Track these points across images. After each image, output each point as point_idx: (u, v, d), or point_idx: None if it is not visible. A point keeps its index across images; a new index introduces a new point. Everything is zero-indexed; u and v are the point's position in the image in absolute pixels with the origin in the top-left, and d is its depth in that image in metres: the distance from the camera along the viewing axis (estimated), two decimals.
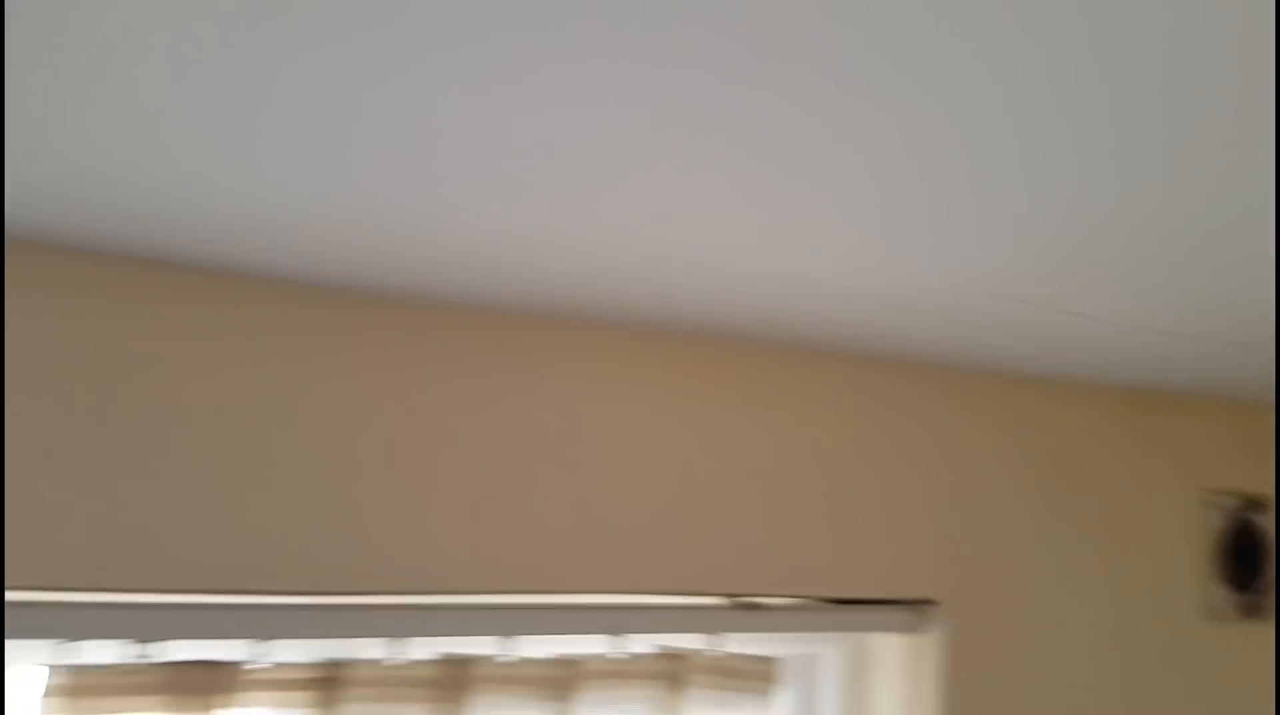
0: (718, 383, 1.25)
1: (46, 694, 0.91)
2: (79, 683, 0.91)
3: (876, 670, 1.39)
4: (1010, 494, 1.42)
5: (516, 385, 1.12)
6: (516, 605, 1.09)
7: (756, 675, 1.22)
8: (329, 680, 1.00)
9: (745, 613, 1.23)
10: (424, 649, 1.04)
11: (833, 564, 1.28)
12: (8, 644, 0.89)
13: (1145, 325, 1.14)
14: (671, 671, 1.17)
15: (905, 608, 1.33)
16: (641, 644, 1.16)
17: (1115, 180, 0.75)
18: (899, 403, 1.36)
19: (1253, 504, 1.61)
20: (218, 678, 0.96)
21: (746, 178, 0.75)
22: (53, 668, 0.91)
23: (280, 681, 0.99)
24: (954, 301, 1.08)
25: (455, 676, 1.04)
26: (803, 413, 1.30)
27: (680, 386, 1.23)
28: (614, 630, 1.13)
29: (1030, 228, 0.87)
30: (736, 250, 0.92)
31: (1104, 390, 1.52)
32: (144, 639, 0.93)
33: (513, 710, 1.07)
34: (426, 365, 1.08)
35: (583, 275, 1.00)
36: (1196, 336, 1.19)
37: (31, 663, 0.93)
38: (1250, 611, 1.58)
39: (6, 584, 0.86)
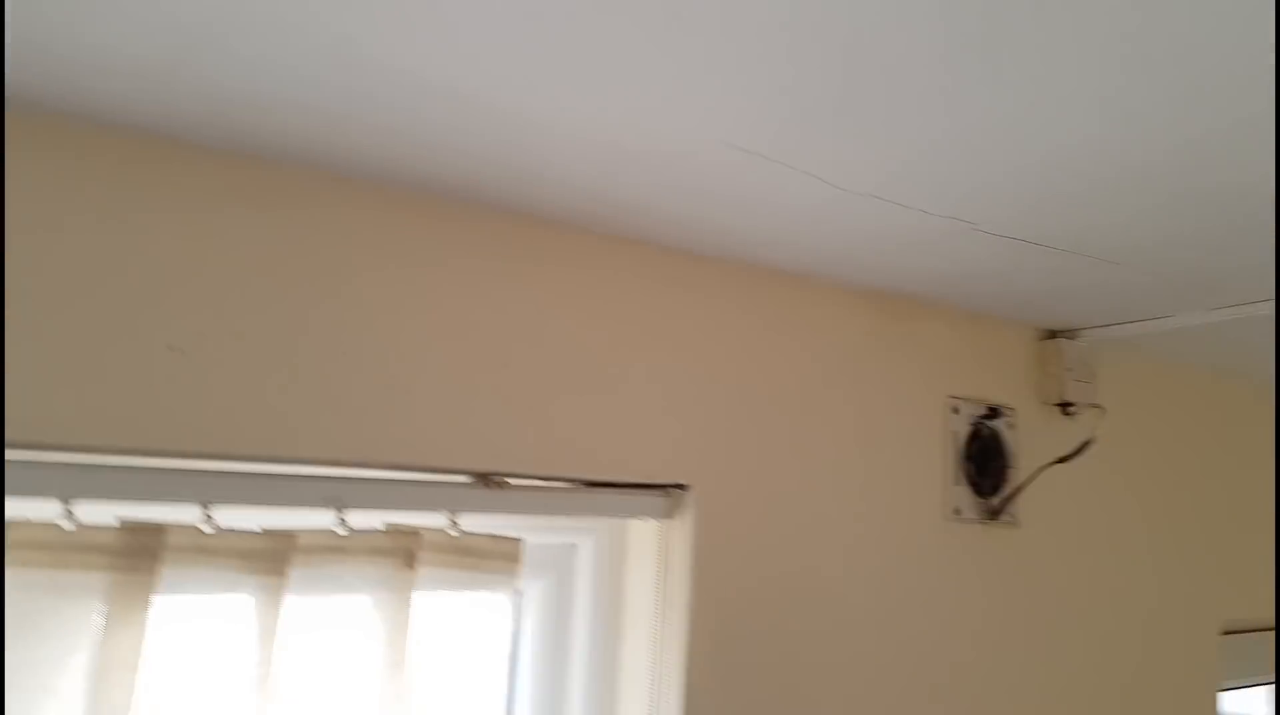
0: (469, 252, 1.18)
1: None
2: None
3: (630, 557, 1.37)
4: (765, 386, 1.42)
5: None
6: (219, 471, 1.00)
7: (498, 555, 1.17)
8: None
9: (490, 491, 1.18)
10: (102, 513, 0.93)
11: (584, 446, 1.24)
12: None
13: (885, 197, 1.14)
14: (402, 548, 1.10)
15: (658, 492, 1.31)
16: (370, 520, 1.09)
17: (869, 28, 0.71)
18: (655, 287, 1.33)
19: (994, 412, 1.68)
20: None
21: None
22: None
23: None
24: (677, 148, 1.02)
25: (142, 545, 0.94)
26: (557, 292, 1.25)
27: (428, 253, 1.15)
28: (336, 503, 1.05)
29: (762, 71, 0.83)
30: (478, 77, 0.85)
31: (857, 294, 1.54)
32: None
33: (212, 582, 0.97)
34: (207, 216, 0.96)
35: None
36: (944, 216, 1.20)
37: None
38: (990, 514, 1.65)
39: None
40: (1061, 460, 1.67)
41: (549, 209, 1.21)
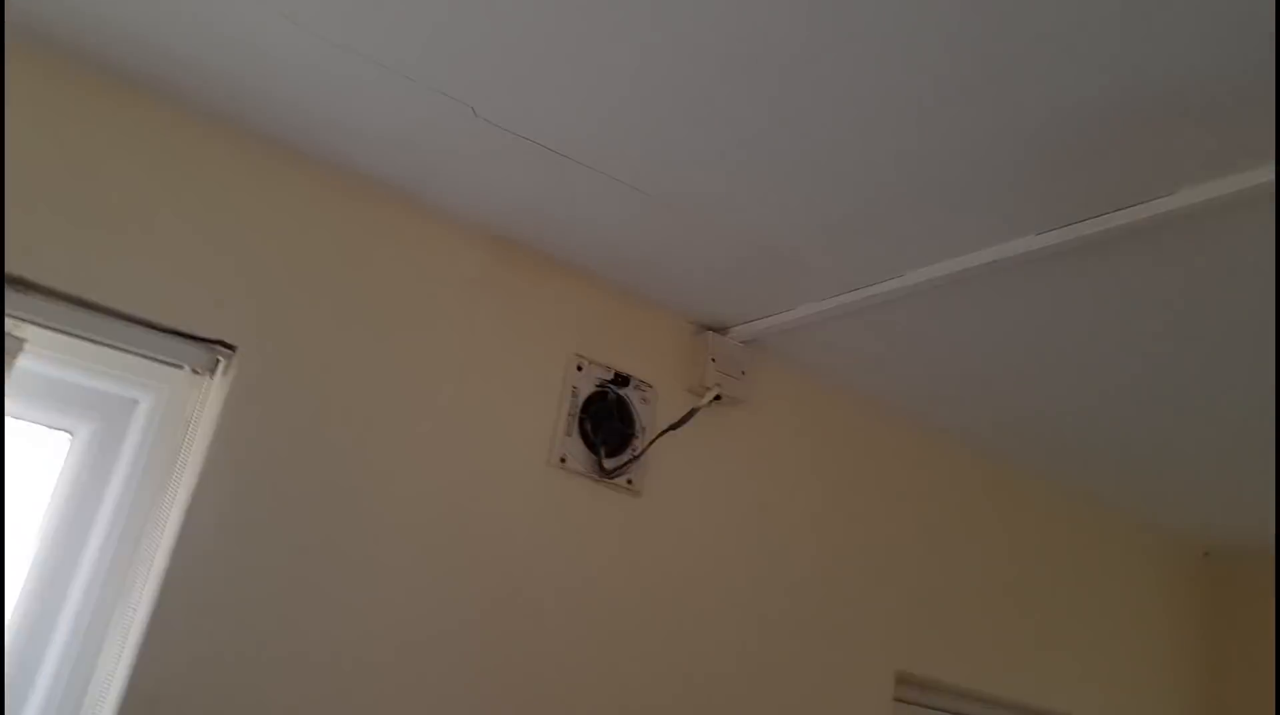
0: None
1: None
2: None
3: (178, 417, 1.41)
4: (359, 292, 1.50)
5: None
6: None
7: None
8: None
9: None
10: None
11: (128, 279, 1.31)
12: None
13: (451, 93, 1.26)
14: None
15: (200, 345, 1.37)
16: None
17: None
18: (257, 181, 1.43)
19: (624, 380, 1.76)
20: None
21: None
22: None
23: None
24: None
25: None
26: (105, 137, 1.34)
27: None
28: None
29: None
30: None
31: (492, 240, 1.64)
32: None
33: None
34: None
35: None
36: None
37: None
38: (604, 473, 1.70)
39: None
40: (672, 427, 1.74)
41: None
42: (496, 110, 1.29)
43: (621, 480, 1.73)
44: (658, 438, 1.75)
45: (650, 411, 1.79)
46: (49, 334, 1.28)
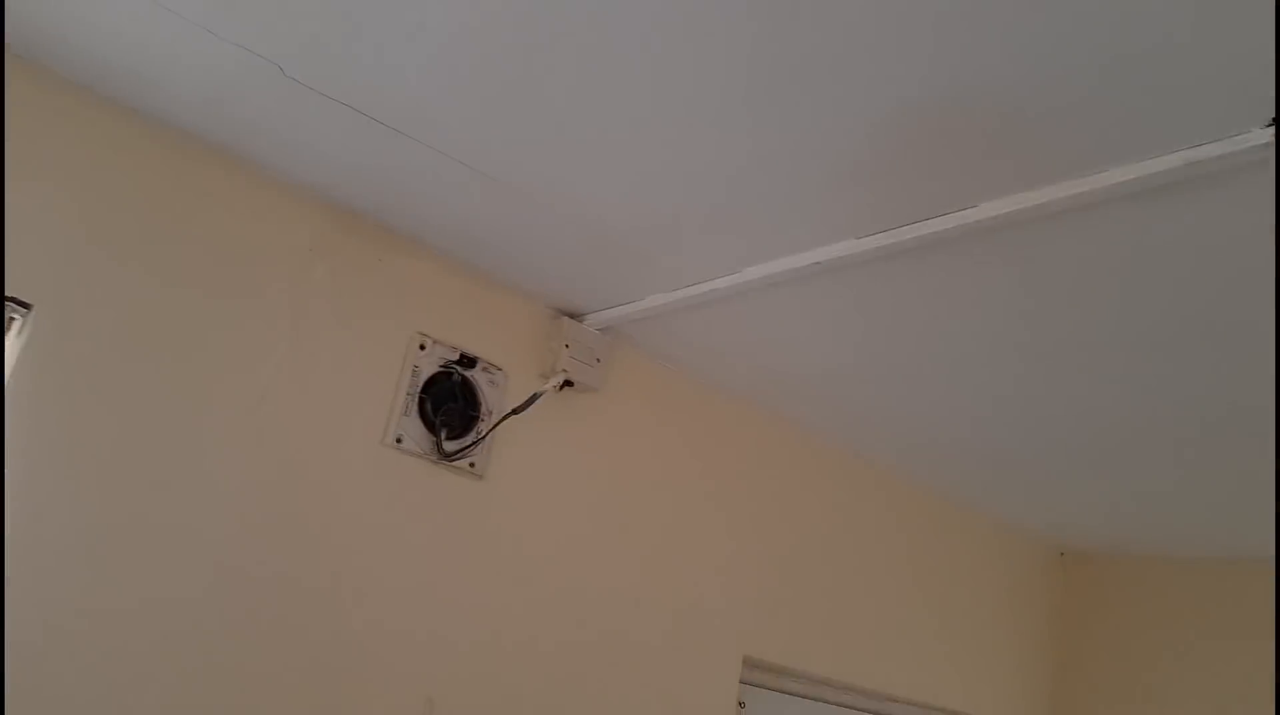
0: None
1: None
2: None
3: None
4: (163, 247, 1.47)
5: None
6: None
7: None
8: None
9: None
10: None
11: None
12: None
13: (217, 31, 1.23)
14: None
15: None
16: None
17: None
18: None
19: (470, 361, 1.75)
20: None
21: None
22: None
23: None
24: None
25: None
26: None
27: None
28: None
29: None
30: None
31: (325, 208, 1.61)
32: None
33: None
34: None
35: None
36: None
37: None
38: (444, 455, 1.69)
39: None
40: (515, 411, 1.74)
41: None
42: (307, 70, 1.26)
43: (463, 463, 1.72)
44: (501, 421, 1.74)
45: (499, 395, 1.79)
46: None
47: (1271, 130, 1.03)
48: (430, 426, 1.69)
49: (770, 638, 2.18)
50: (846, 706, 2.47)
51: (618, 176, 1.39)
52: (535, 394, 1.75)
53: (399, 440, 1.65)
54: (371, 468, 1.62)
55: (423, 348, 1.70)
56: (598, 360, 1.89)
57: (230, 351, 1.49)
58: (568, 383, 1.85)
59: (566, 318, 1.87)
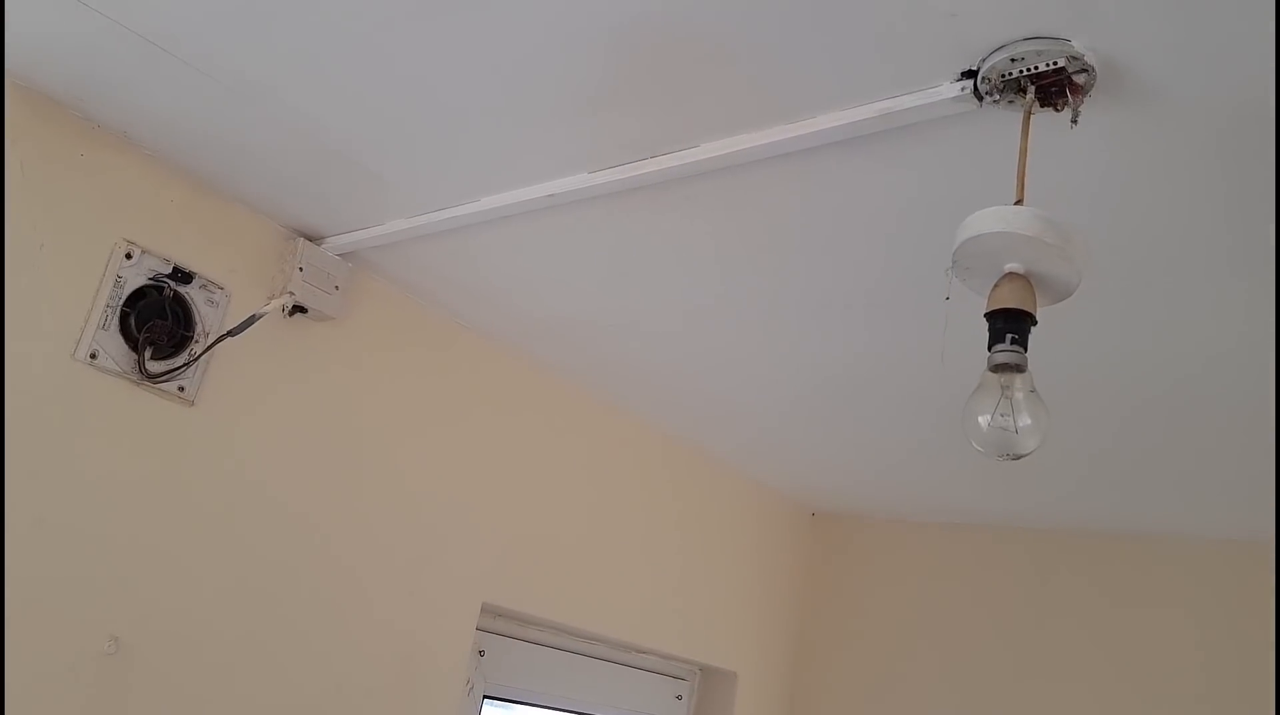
0: None
1: None
2: None
3: None
4: None
5: None
6: None
7: None
8: None
9: None
10: None
11: None
12: None
13: None
14: None
15: None
16: None
17: None
18: None
19: (185, 276, 1.61)
20: None
21: None
22: None
23: None
24: None
25: None
26: None
27: None
28: None
29: None
30: None
31: (16, 90, 1.43)
32: None
33: None
34: None
35: None
36: None
37: None
38: (148, 376, 1.56)
39: None
40: (230, 333, 1.62)
41: None
42: None
43: (170, 386, 1.59)
44: (214, 344, 1.62)
45: (218, 315, 1.66)
46: None
47: (961, 84, 1.07)
48: (133, 343, 1.55)
49: (511, 585, 2.16)
50: (588, 656, 2.49)
51: (332, 80, 1.29)
52: (254, 315, 1.63)
53: (93, 356, 1.50)
54: (59, 385, 1.47)
55: (129, 257, 1.55)
56: (336, 287, 1.79)
57: None
58: (299, 308, 1.75)
59: (303, 239, 1.76)
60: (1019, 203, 0.99)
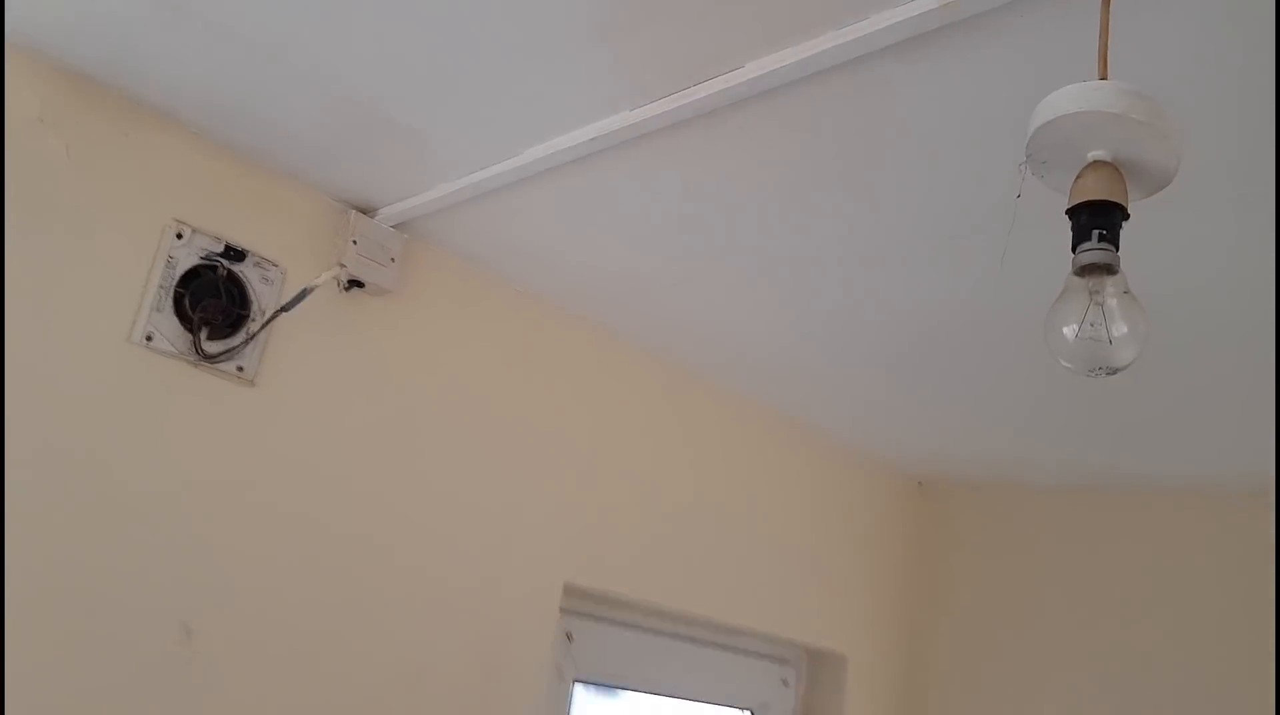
0: None
1: None
2: None
3: None
4: None
5: None
6: None
7: None
8: None
9: None
10: None
11: None
12: None
13: None
14: None
15: None
16: None
17: None
18: None
19: (238, 254, 1.59)
20: None
21: None
22: None
23: None
24: None
25: None
26: None
27: None
28: None
29: None
30: None
31: (57, 74, 1.42)
32: None
33: None
34: None
35: None
36: None
37: None
38: (205, 356, 1.53)
39: None
40: (284, 309, 1.58)
41: None
42: None
43: (229, 367, 1.57)
44: (271, 320, 1.59)
45: (274, 293, 1.63)
46: None
47: None
48: (188, 324, 1.53)
49: (595, 564, 2.08)
50: (685, 639, 2.39)
51: (356, 34, 1.23)
52: (305, 289, 1.59)
53: (149, 338, 1.49)
54: (115, 369, 1.45)
55: (180, 237, 1.53)
56: (392, 259, 1.74)
57: None
58: (356, 283, 1.70)
59: (356, 212, 1.71)
60: (1103, 79, 0.84)
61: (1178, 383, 1.83)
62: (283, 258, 1.64)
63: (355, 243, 1.69)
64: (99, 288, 1.45)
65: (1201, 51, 1.01)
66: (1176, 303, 1.53)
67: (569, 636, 2.14)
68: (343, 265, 1.64)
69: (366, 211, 1.72)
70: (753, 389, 2.37)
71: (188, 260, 1.54)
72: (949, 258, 1.55)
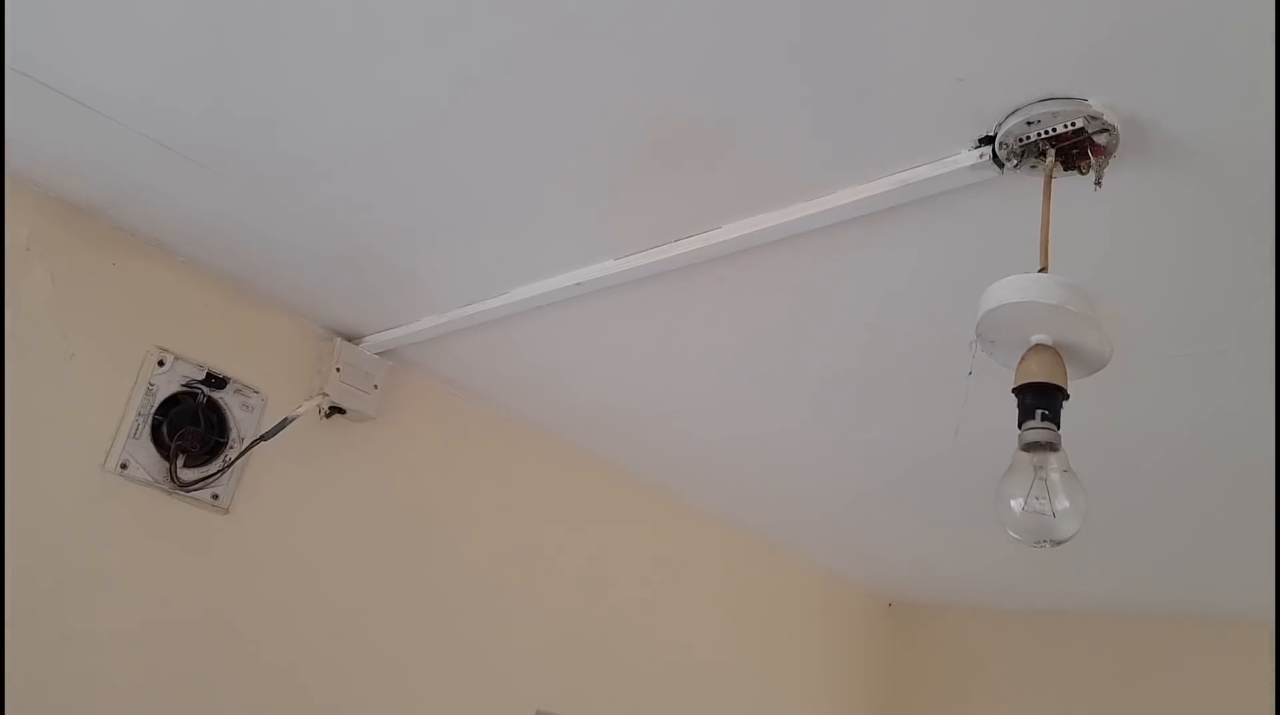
0: None
1: None
2: None
3: None
4: None
5: None
6: None
7: None
8: None
9: None
10: None
11: None
12: None
13: None
14: None
15: None
16: None
17: None
18: None
19: (219, 382, 1.62)
20: None
21: None
22: None
23: None
24: None
25: None
26: None
27: None
28: None
29: None
30: None
31: (46, 202, 1.47)
32: None
33: None
34: None
35: None
36: None
37: None
38: (180, 484, 1.54)
39: None
40: (263, 438, 1.61)
41: None
42: (11, 50, 1.14)
43: (204, 495, 1.58)
44: (249, 448, 1.61)
45: (254, 419, 1.66)
46: None
47: (979, 151, 1.01)
48: (164, 451, 1.55)
49: (566, 689, 2.07)
50: None
51: (359, 179, 1.29)
52: (286, 419, 1.62)
53: (124, 466, 1.50)
54: (88, 496, 1.46)
55: (162, 364, 1.56)
56: (375, 386, 1.78)
57: None
58: (337, 410, 1.74)
59: (341, 339, 1.75)
60: (1043, 270, 0.91)
61: (1141, 514, 1.89)
62: (265, 384, 1.68)
63: (339, 370, 1.73)
64: (77, 414, 1.47)
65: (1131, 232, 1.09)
66: (1142, 446, 1.61)
67: None
68: (325, 393, 1.68)
69: (352, 339, 1.77)
70: (727, 511, 2.40)
71: (168, 387, 1.57)
72: (918, 398, 1.61)
